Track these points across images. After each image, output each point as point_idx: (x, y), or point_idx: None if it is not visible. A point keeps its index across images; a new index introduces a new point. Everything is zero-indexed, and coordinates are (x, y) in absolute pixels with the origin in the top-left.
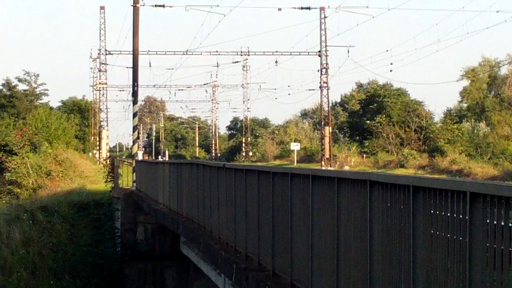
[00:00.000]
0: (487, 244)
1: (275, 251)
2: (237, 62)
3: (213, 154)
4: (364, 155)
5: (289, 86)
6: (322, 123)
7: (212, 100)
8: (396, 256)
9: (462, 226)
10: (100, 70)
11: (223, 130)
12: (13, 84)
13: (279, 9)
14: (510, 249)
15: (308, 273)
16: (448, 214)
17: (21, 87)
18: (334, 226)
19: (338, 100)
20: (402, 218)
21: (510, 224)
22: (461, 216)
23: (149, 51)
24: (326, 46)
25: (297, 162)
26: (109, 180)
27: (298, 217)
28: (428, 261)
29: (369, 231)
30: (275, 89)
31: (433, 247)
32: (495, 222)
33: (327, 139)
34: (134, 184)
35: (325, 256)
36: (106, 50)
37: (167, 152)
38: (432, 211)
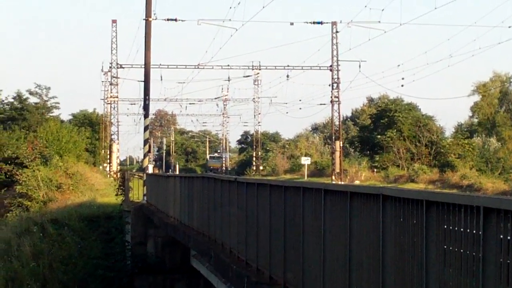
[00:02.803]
0: (501, 260)
1: (286, 265)
2: (248, 76)
3: (223, 168)
4: (375, 170)
5: (300, 100)
6: (333, 137)
7: (223, 114)
8: (408, 271)
9: (475, 241)
10: (111, 84)
11: (233, 144)
12: (24, 97)
13: (291, 24)
14: None
15: (320, 287)
16: (461, 229)
17: (32, 100)
18: (346, 240)
19: (349, 114)
20: (414, 233)
21: None
22: (474, 231)
23: (160, 64)
24: (337, 60)
25: (307, 176)
26: (119, 193)
27: (310, 231)
28: (440, 277)
29: (381, 246)
30: (286, 103)
31: (446, 262)
32: (508, 238)
33: (337, 154)
34: (145, 198)
35: (337, 270)
36: (117, 63)
37: (177, 166)
38: (445, 226)
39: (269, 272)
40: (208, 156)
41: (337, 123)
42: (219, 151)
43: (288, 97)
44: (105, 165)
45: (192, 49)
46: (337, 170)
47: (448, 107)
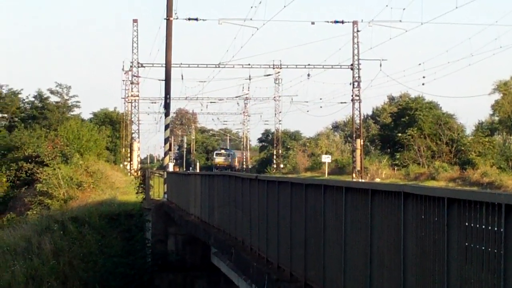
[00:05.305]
0: None
1: (307, 262)
2: (269, 75)
3: (244, 166)
4: (395, 168)
5: (321, 99)
6: (354, 135)
7: (243, 112)
8: (430, 268)
9: (497, 239)
10: (132, 83)
11: (254, 143)
12: (45, 96)
13: (312, 23)
14: None
15: (341, 284)
16: (483, 227)
17: (53, 99)
18: (367, 237)
19: (370, 113)
20: (436, 231)
21: None
22: (495, 229)
23: (181, 63)
24: (358, 59)
25: (328, 174)
26: (140, 191)
27: (331, 229)
28: (462, 274)
29: (402, 243)
30: (307, 101)
31: (467, 260)
32: None
33: (358, 152)
34: (165, 196)
35: (358, 267)
36: (138, 62)
37: (198, 164)
38: (466, 224)
39: (290, 269)
40: (215, 153)
41: (357, 121)
42: (224, 147)
43: (309, 96)
44: (125, 163)
45: (213, 48)
46: (358, 168)
47: (469, 106)
